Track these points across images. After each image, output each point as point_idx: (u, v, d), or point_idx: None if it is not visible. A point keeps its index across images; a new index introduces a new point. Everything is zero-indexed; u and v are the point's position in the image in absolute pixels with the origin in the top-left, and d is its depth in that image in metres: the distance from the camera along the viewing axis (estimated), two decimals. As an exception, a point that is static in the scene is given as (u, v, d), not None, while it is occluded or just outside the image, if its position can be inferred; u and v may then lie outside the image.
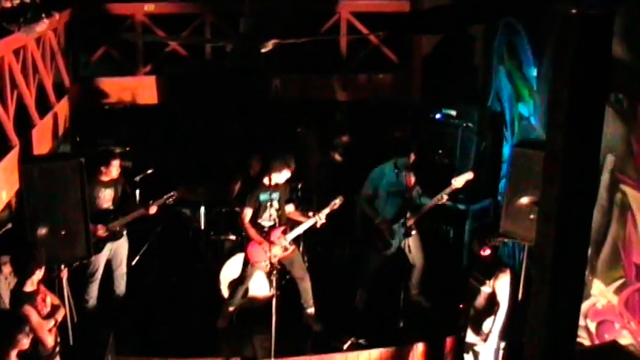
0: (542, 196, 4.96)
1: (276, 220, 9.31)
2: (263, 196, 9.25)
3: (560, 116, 4.65)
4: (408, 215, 9.59)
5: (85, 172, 7.94)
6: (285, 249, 9.34)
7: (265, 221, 9.31)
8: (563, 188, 4.71)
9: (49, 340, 7.24)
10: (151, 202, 9.50)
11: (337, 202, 9.29)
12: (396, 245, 9.77)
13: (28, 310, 7.07)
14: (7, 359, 6.45)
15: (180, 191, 9.69)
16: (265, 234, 9.27)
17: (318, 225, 9.40)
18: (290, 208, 9.61)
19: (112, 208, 9.36)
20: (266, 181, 9.21)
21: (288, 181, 9.43)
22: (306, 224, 9.39)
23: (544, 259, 4.97)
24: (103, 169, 9.18)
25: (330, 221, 9.60)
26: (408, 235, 9.59)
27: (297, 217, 9.59)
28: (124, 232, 9.57)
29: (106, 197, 9.29)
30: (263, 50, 7.11)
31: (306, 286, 9.51)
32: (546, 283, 4.98)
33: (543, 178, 4.97)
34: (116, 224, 9.34)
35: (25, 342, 6.60)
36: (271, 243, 9.17)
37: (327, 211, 9.32)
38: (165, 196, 9.51)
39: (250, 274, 9.49)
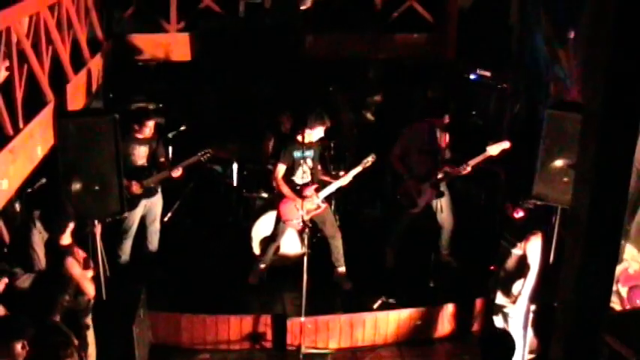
0: (579, 158, 4.91)
1: (309, 178, 9.31)
2: (297, 153, 9.23)
3: (599, 78, 4.59)
4: (440, 176, 9.56)
5: (120, 129, 7.98)
6: (318, 206, 9.34)
7: (298, 178, 9.31)
8: (600, 151, 4.64)
9: (91, 289, 7.36)
10: (176, 164, 9.49)
11: (370, 159, 9.24)
12: (422, 205, 9.75)
13: (71, 262, 7.18)
14: (54, 318, 6.59)
15: (213, 148, 9.69)
16: (298, 191, 9.27)
17: (344, 183, 9.38)
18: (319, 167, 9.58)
19: (146, 165, 9.39)
20: (300, 138, 9.19)
21: (321, 139, 9.39)
22: (337, 183, 9.38)
23: (578, 223, 4.92)
24: (136, 127, 9.21)
25: (362, 180, 9.60)
26: (440, 195, 9.56)
27: (324, 176, 9.58)
28: (159, 189, 9.61)
29: (140, 154, 9.32)
30: (302, 7, 7.09)
31: (337, 244, 9.53)
32: (580, 247, 4.93)
33: (580, 140, 4.91)
34: (150, 181, 9.38)
35: (67, 299, 6.75)
36: (304, 198, 9.16)
37: (358, 169, 9.28)
38: (199, 154, 9.45)
39: (282, 231, 9.52)
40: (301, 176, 9.30)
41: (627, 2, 4.41)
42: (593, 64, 4.73)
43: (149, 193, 9.48)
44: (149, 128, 9.29)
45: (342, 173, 9.58)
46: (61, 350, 6.29)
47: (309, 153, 9.27)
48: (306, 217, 9.15)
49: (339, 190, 9.62)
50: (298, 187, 9.28)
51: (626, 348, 6.84)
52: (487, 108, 10.66)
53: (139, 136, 9.26)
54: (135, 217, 9.44)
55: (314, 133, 9.20)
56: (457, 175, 9.60)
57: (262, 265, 9.65)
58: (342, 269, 9.63)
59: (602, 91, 4.57)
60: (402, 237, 10.03)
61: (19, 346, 5.88)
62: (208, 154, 9.51)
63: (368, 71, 12.64)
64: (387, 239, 10.14)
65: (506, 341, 6.06)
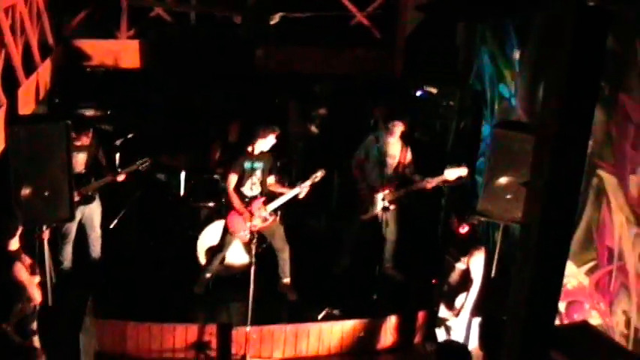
0: (532, 177, 5.08)
1: (259, 189, 9.36)
2: (247, 164, 9.28)
3: (554, 101, 4.76)
4: (389, 191, 9.70)
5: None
6: (265, 220, 9.40)
7: (247, 190, 9.36)
8: (553, 171, 4.82)
9: (38, 295, 7.32)
10: (119, 169, 9.56)
11: (319, 175, 9.33)
12: (372, 213, 9.89)
13: (19, 267, 7.13)
14: (8, 329, 6.56)
15: (161, 157, 9.70)
16: (246, 204, 9.33)
17: (300, 196, 9.44)
18: (271, 180, 9.60)
19: (84, 172, 9.38)
20: (250, 149, 9.25)
21: (271, 151, 9.46)
22: (288, 195, 9.43)
23: (529, 239, 5.08)
24: (74, 135, 9.15)
25: (307, 191, 9.66)
26: (385, 209, 9.67)
27: (278, 188, 9.62)
28: (97, 197, 9.62)
29: (78, 161, 9.25)
30: (271, 22, 7.23)
31: (285, 257, 9.59)
32: (530, 262, 5.10)
33: (533, 160, 5.08)
34: (88, 188, 9.39)
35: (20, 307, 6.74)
36: (252, 214, 9.22)
37: (308, 183, 9.37)
38: (137, 162, 9.52)
39: (229, 242, 9.56)
40: (250, 187, 9.35)
41: (583, 26, 4.60)
42: (549, 88, 4.91)
43: (87, 200, 9.49)
44: (86, 137, 9.34)
45: (292, 186, 9.64)
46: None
47: (259, 165, 9.33)
48: (254, 229, 9.20)
49: (287, 202, 9.67)
50: (247, 200, 9.33)
51: (566, 361, 7.05)
52: (433, 124, 10.84)
53: (77, 143, 9.20)
54: (72, 223, 9.35)
55: (266, 142, 9.26)
56: (415, 190, 9.75)
57: (208, 275, 9.66)
58: (287, 280, 9.69)
59: (558, 114, 4.74)
60: (353, 243, 10.18)
61: None
62: (147, 163, 9.58)
63: (314, 85, 12.72)
64: (340, 247, 10.30)
65: (463, 353, 6.20)
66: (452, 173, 9.33)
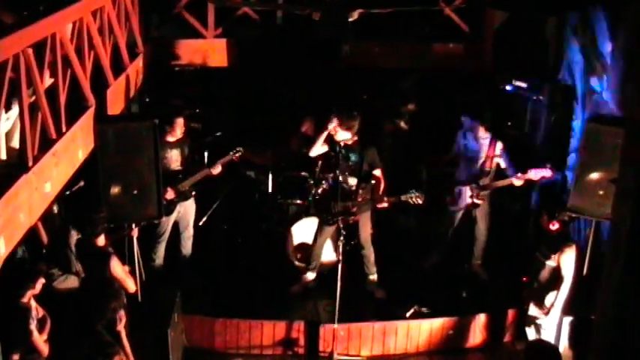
0: (621, 173, 4.93)
1: (354, 182, 9.18)
2: (335, 147, 9.12)
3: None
4: (480, 184, 9.56)
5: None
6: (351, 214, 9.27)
7: (343, 176, 9.12)
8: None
9: (132, 284, 7.47)
10: (215, 163, 9.51)
11: (414, 197, 9.12)
12: (461, 205, 9.79)
13: (116, 262, 7.30)
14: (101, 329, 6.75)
15: (248, 154, 9.72)
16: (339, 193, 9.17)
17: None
18: (377, 173, 9.35)
19: (179, 168, 9.40)
20: (334, 134, 9.12)
21: (371, 146, 9.31)
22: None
23: (619, 238, 4.93)
24: (167, 128, 9.20)
25: (398, 187, 9.54)
26: (474, 206, 9.53)
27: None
28: (192, 194, 9.65)
29: (173, 158, 9.34)
30: (350, 20, 7.16)
31: (366, 253, 9.53)
32: (619, 262, 4.94)
33: (622, 155, 4.94)
34: (184, 185, 9.41)
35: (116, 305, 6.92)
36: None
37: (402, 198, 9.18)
38: (230, 153, 9.45)
39: (320, 231, 9.49)
40: (346, 175, 9.17)
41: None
42: (637, 81, 4.75)
43: (184, 197, 9.52)
44: (179, 126, 9.28)
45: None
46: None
47: (353, 156, 9.15)
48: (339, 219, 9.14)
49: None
50: (345, 187, 9.18)
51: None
52: (522, 119, 10.64)
53: (171, 139, 9.26)
54: (169, 222, 9.47)
55: (340, 134, 9.13)
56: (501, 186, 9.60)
57: (311, 277, 9.67)
58: (373, 277, 9.64)
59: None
60: (445, 240, 10.10)
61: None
62: (240, 152, 9.50)
63: (401, 80, 12.62)
64: (432, 244, 10.23)
65: (553, 353, 6.03)
66: (536, 174, 9.19)
